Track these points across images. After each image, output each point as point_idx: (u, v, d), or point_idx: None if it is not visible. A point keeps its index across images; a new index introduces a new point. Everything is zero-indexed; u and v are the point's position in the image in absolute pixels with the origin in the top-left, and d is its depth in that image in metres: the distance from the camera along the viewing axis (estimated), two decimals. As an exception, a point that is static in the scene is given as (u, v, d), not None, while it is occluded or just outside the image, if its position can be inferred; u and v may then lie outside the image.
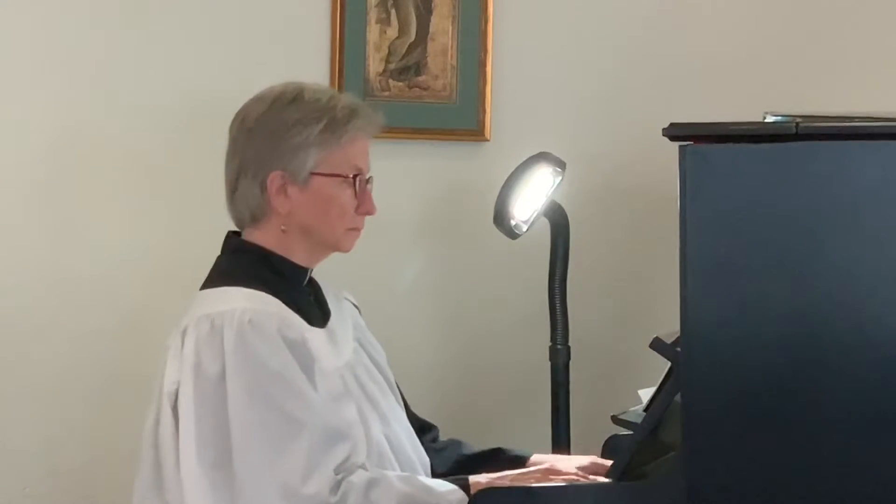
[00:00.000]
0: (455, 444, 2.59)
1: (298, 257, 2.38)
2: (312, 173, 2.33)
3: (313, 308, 2.40)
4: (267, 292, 2.29)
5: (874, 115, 2.20)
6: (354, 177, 2.36)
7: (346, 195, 2.36)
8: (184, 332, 2.25)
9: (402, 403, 2.51)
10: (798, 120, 2.16)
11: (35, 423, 2.85)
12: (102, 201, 2.90)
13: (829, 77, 3.23)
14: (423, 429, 2.57)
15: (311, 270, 2.42)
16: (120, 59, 2.90)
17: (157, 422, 2.25)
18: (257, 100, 2.39)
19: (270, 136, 2.33)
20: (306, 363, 2.25)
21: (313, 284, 2.45)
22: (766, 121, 2.36)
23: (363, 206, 2.38)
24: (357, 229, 2.40)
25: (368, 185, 2.40)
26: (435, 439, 2.59)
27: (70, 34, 2.87)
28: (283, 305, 2.29)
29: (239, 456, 2.16)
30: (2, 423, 2.84)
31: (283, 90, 2.38)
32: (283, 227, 2.35)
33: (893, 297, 2.00)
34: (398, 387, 2.55)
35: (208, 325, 2.22)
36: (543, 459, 2.50)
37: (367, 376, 2.42)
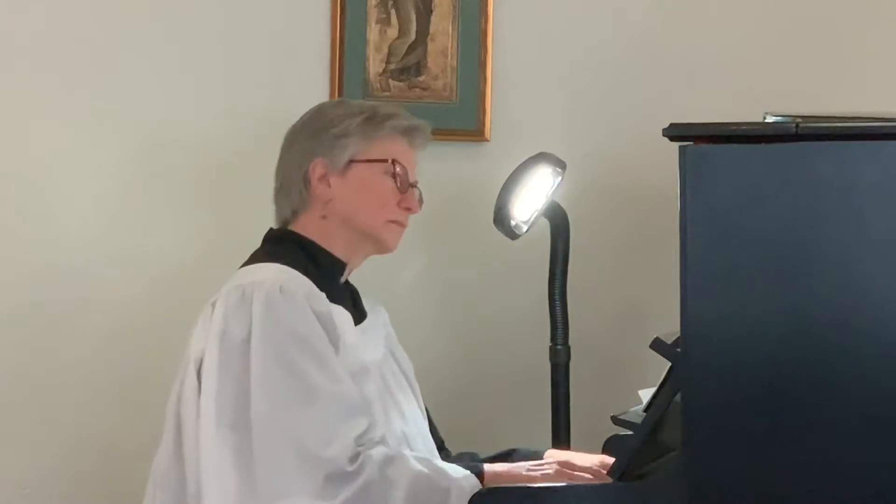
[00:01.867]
0: (469, 453, 2.59)
1: (338, 250, 2.40)
2: (352, 160, 2.38)
3: (348, 304, 2.41)
4: (301, 272, 2.31)
5: (874, 115, 2.20)
6: (393, 163, 2.39)
7: (386, 185, 2.40)
8: (213, 304, 2.27)
9: (425, 414, 2.54)
10: (798, 120, 2.16)
11: (36, 423, 2.86)
12: (119, 201, 2.91)
13: (829, 77, 3.23)
14: (440, 448, 2.59)
15: (349, 270, 2.43)
16: (118, 56, 2.91)
17: (182, 389, 2.26)
18: (305, 112, 2.49)
19: (314, 130, 2.42)
20: (332, 334, 2.26)
21: (350, 287, 2.46)
22: (766, 121, 2.36)
23: (405, 200, 2.41)
24: (399, 223, 2.43)
25: (413, 188, 2.44)
26: (447, 456, 2.60)
27: (72, 34, 2.88)
28: (314, 285, 2.30)
29: (257, 416, 2.16)
30: (2, 423, 2.84)
31: (328, 102, 2.54)
32: (323, 215, 2.38)
33: (893, 297, 2.00)
34: (424, 405, 2.57)
35: (239, 294, 2.24)
36: (558, 455, 2.51)
37: (394, 380, 2.44)
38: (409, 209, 2.43)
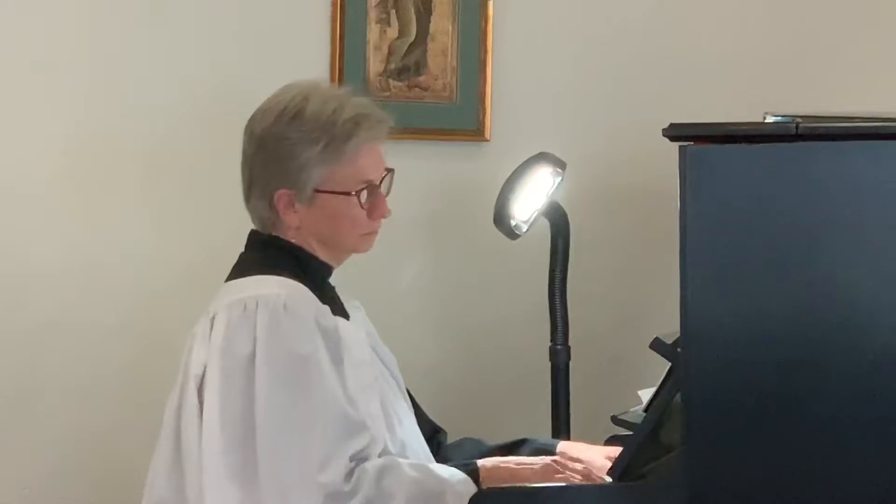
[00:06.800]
0: (474, 439, 2.59)
1: (321, 255, 2.39)
2: (316, 190, 2.33)
3: (337, 306, 2.40)
4: (298, 281, 2.30)
5: (874, 115, 2.20)
6: (359, 192, 2.34)
7: (354, 209, 2.35)
8: (213, 318, 2.25)
9: (412, 409, 2.53)
10: (798, 120, 2.16)
11: (36, 423, 2.86)
12: (112, 199, 2.91)
13: (829, 77, 3.23)
14: (436, 431, 2.59)
15: (333, 270, 2.42)
16: (120, 58, 2.91)
17: (181, 406, 2.24)
18: (264, 111, 2.38)
19: (273, 156, 2.33)
20: (337, 351, 2.26)
21: (332, 287, 2.46)
22: (766, 121, 2.36)
23: (376, 211, 2.38)
24: (372, 233, 2.40)
25: (383, 186, 2.39)
26: (444, 439, 2.61)
27: (72, 33, 2.87)
28: (317, 298, 2.30)
29: (262, 440, 2.16)
30: (2, 423, 2.84)
31: (288, 102, 2.35)
32: (298, 229, 2.35)
33: (893, 297, 2.00)
34: (410, 394, 2.56)
35: (241, 309, 2.22)
36: (570, 448, 2.51)
37: (385, 383, 2.43)
38: (381, 217, 2.39)
